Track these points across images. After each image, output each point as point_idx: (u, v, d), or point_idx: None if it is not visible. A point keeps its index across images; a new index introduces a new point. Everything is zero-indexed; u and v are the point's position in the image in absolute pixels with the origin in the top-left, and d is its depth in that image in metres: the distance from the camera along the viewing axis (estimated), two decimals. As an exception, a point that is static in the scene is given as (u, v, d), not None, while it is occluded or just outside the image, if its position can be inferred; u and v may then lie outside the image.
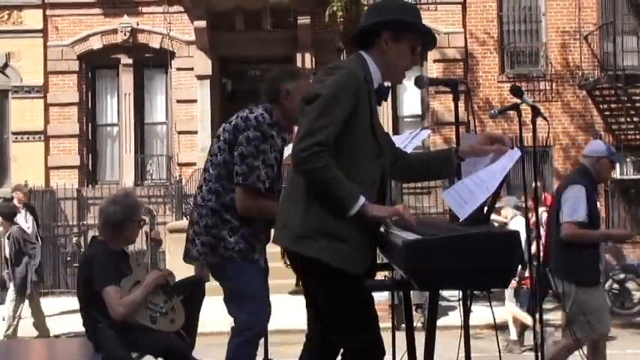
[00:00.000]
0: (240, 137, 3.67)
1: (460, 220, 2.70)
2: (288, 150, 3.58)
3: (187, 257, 3.95)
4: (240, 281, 3.74)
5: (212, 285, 4.14)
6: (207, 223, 3.74)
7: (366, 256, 2.85)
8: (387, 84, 3.09)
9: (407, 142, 4.04)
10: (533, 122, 4.59)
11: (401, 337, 3.45)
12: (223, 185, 3.72)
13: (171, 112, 16.35)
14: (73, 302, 8.32)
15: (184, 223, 13.76)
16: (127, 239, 4.57)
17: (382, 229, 2.93)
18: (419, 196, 14.83)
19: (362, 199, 2.72)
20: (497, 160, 2.89)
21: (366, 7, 13.62)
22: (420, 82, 3.27)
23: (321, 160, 2.69)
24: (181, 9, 16.04)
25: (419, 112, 16.33)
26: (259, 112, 3.76)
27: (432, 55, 15.56)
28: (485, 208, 2.81)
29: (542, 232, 5.85)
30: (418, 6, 3.05)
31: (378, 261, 3.07)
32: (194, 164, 15.46)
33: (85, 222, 15.02)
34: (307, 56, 15.41)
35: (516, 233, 2.54)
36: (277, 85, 3.85)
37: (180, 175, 15.35)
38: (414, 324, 3.28)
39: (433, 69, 15.82)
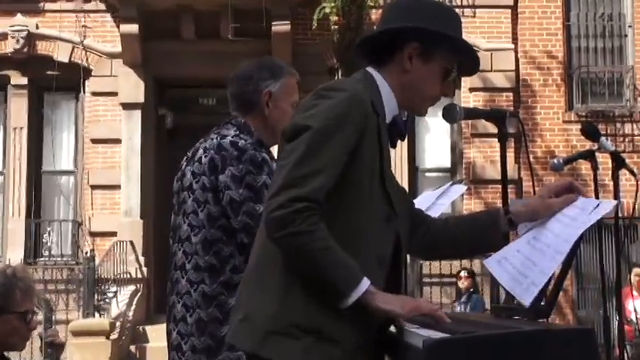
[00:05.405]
0: (221, 178, 3.72)
1: (527, 302, 2.72)
2: None
3: None
4: None
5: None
6: (200, 318, 3.74)
7: None
8: (403, 115, 3.12)
9: (431, 202, 4.07)
10: (615, 178, 4.56)
11: None
12: (218, 254, 3.74)
13: (82, 157, 16.38)
14: None
15: (96, 321, 13.83)
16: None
17: (393, 327, 2.91)
18: (446, 287, 14.72)
19: (365, 283, 2.70)
20: (566, 214, 2.91)
21: (373, 9, 13.69)
22: (451, 114, 3.27)
23: (306, 222, 2.67)
24: (102, 6, 16.20)
25: (447, 163, 16.53)
26: (232, 132, 3.84)
27: (468, 81, 15.67)
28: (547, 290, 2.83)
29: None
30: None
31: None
32: (114, 234, 15.52)
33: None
34: (285, 78, 15.41)
35: (592, 332, 2.53)
36: (254, 87, 3.93)
37: (92, 251, 15.08)
38: None
39: (469, 101, 15.96)
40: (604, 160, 4.86)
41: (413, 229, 3.18)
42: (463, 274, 13.33)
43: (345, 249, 2.72)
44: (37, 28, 16.19)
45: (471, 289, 13.31)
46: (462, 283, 13.35)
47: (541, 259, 2.78)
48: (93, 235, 15.92)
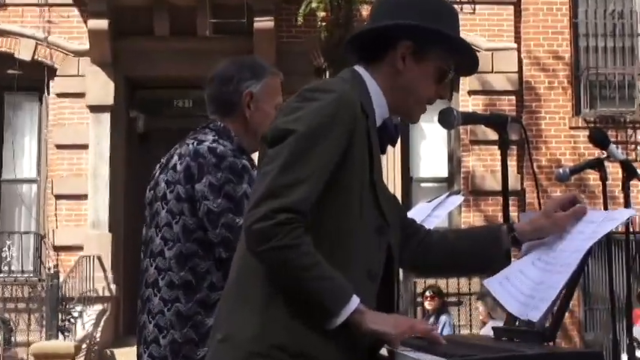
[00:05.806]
0: (198, 188, 3.74)
1: (535, 318, 2.78)
2: None
3: None
4: None
5: None
6: (174, 339, 3.74)
7: None
8: (394, 119, 3.13)
9: (426, 214, 4.21)
10: (626, 189, 4.59)
11: None
12: (194, 269, 3.75)
13: (45, 164, 16.38)
14: None
15: (60, 344, 13.81)
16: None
17: (385, 349, 2.90)
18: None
19: (354, 301, 2.72)
20: (573, 229, 2.97)
21: (363, 4, 13.68)
22: (447, 119, 3.33)
23: (289, 235, 2.67)
24: (68, 0, 16.15)
25: (444, 173, 16.64)
26: (210, 137, 3.85)
27: (467, 83, 15.77)
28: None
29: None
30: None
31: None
32: (80, 248, 15.50)
33: None
34: (268, 78, 15.67)
35: (600, 355, 2.55)
36: (234, 87, 3.94)
37: (56, 267, 15.17)
38: None
39: (468, 105, 16.04)
40: (614, 170, 4.93)
41: (405, 239, 3.20)
42: (428, 293, 13.26)
43: (333, 260, 2.75)
44: (-3, 23, 16.26)
45: (439, 310, 13.18)
46: (429, 304, 13.23)
47: (548, 277, 2.85)
48: (57, 249, 15.90)
